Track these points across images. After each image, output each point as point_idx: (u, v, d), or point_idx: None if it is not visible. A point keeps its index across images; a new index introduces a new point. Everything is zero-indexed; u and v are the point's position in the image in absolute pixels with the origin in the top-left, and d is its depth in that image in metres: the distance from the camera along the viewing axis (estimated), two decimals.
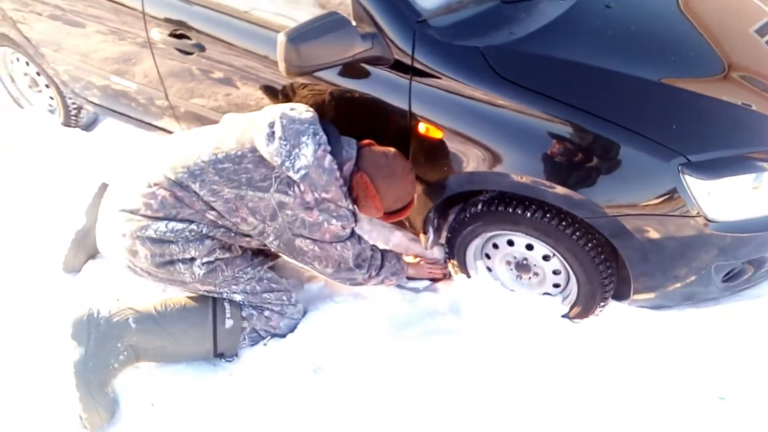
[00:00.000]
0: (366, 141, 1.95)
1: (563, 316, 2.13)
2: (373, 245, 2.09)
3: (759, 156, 1.73)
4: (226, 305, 1.92)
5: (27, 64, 3.17)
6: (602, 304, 2.05)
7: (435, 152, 1.92)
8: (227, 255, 1.89)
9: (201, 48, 2.23)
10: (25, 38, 2.94)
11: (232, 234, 1.86)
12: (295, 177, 1.75)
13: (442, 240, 2.32)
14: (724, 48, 1.99)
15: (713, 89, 1.84)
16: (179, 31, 2.26)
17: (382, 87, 1.92)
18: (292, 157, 1.75)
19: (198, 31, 2.21)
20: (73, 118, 3.30)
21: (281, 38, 1.72)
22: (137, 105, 2.80)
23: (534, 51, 1.83)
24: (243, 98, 2.29)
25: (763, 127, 1.79)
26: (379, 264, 2.06)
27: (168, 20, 2.27)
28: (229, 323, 1.90)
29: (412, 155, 1.98)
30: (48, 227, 2.44)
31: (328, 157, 1.78)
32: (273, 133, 1.77)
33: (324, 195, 1.78)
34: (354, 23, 1.81)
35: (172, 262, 1.82)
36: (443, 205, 2.20)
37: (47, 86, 3.21)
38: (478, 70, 1.78)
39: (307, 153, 1.75)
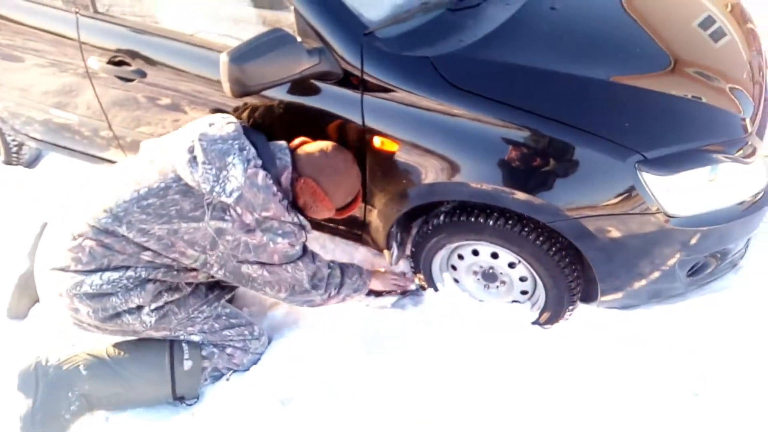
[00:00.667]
0: (298, 140, 1.86)
1: (533, 322, 2.11)
2: (331, 261, 1.99)
3: (713, 149, 1.74)
4: (184, 345, 1.82)
5: None
6: (571, 307, 2.03)
7: (392, 165, 1.88)
8: (177, 296, 1.78)
9: (142, 74, 2.15)
10: None
11: (175, 272, 1.74)
12: (229, 201, 1.62)
13: (407, 253, 2.28)
14: (670, 43, 2.00)
15: (663, 84, 1.84)
16: (118, 58, 2.17)
17: (334, 102, 1.87)
18: (221, 181, 1.62)
19: (137, 57, 2.13)
20: (14, 155, 3.15)
21: (224, 58, 1.66)
22: (81, 138, 2.68)
23: (483, 57, 1.80)
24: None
25: (715, 120, 1.81)
26: (339, 282, 1.95)
27: (105, 48, 2.18)
28: (188, 364, 1.80)
29: (369, 170, 1.93)
30: None
31: (261, 173, 1.66)
32: (194, 158, 1.65)
33: (264, 213, 1.66)
34: (299, 39, 1.76)
35: (117, 315, 1.71)
36: (405, 218, 2.15)
37: None
38: (429, 80, 1.75)
39: (236, 174, 1.63)
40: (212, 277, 1.84)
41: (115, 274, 1.67)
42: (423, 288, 2.26)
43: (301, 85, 1.90)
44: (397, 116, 1.79)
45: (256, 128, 1.84)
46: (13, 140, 3.08)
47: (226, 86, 1.70)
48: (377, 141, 1.84)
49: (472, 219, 1.91)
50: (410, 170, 1.85)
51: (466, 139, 1.75)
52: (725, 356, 1.90)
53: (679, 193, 1.69)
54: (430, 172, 1.83)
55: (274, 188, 1.68)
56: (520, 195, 1.74)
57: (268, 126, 1.98)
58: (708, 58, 2.02)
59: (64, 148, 2.83)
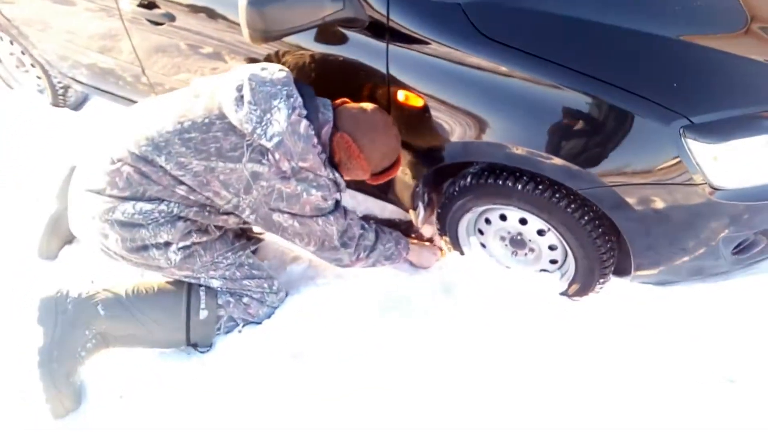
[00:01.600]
0: (340, 100, 1.80)
1: (562, 293, 2.00)
2: (366, 223, 1.95)
3: None
4: (202, 294, 1.82)
5: (11, 43, 3.08)
6: (602, 280, 1.91)
7: (417, 122, 1.79)
8: (205, 238, 1.77)
9: (171, 17, 2.10)
10: (6, 18, 2.85)
11: (207, 213, 1.74)
12: (269, 145, 1.61)
13: (434, 214, 2.20)
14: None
15: (721, 42, 1.66)
16: (148, 0, 2.13)
17: (360, 52, 1.78)
18: (263, 124, 1.61)
19: None
20: (61, 97, 3.21)
21: (242, 2, 1.59)
22: (121, 82, 2.69)
23: (520, 5, 1.67)
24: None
25: None
26: (371, 245, 1.91)
27: None
28: (203, 314, 1.80)
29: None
30: (27, 212, 2.37)
31: (304, 122, 1.63)
32: (242, 97, 1.63)
33: (301, 164, 1.65)
34: None
35: (145, 248, 1.72)
36: (434, 177, 2.07)
37: (33, 66, 3.12)
38: (459, 29, 1.63)
39: (280, 118, 1.61)
40: (244, 223, 1.84)
41: (148, 206, 1.68)
42: (448, 251, 2.18)
43: (328, 32, 1.81)
44: (424, 68, 1.69)
45: None
46: (59, 83, 3.13)
47: (245, 32, 1.64)
48: (401, 95, 1.74)
49: (500, 182, 1.81)
50: (436, 128, 1.76)
51: (498, 97, 1.64)
52: (766, 341, 1.75)
53: (728, 164, 1.53)
54: (457, 131, 1.72)
55: (315, 140, 1.65)
56: (553, 159, 1.62)
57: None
58: None
59: (106, 92, 2.87)
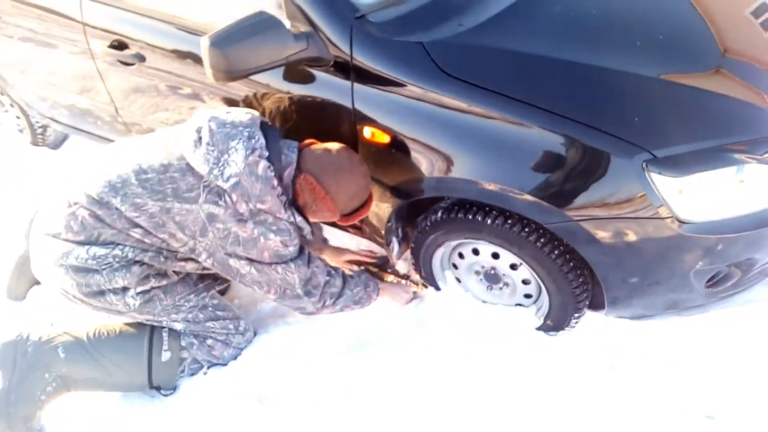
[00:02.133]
0: (307, 141, 1.78)
1: (538, 328, 1.97)
2: (333, 269, 1.88)
3: (737, 148, 1.55)
4: (164, 336, 1.79)
5: None
6: (577, 315, 1.89)
7: (384, 158, 1.78)
8: (164, 282, 1.74)
9: (141, 58, 2.11)
10: None
11: (163, 258, 1.71)
12: (225, 186, 1.58)
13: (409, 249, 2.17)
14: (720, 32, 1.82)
15: (685, 77, 1.66)
16: (118, 41, 2.14)
17: (326, 89, 1.78)
18: (221, 164, 1.59)
19: (135, 40, 2.09)
20: (40, 137, 3.21)
21: (205, 42, 1.59)
22: (100, 122, 2.69)
23: (482, 43, 1.67)
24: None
25: (740, 115, 1.62)
26: (337, 291, 1.84)
27: (106, 30, 2.16)
28: (165, 356, 1.76)
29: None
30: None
31: (263, 163, 1.60)
32: (200, 138, 1.62)
33: (259, 205, 1.61)
34: (287, 21, 1.68)
35: (101, 293, 1.69)
36: (408, 212, 2.05)
37: (12, 106, 3.12)
38: (422, 67, 1.63)
39: (237, 159, 1.58)
40: (204, 269, 1.80)
41: (102, 250, 1.65)
42: (424, 286, 2.16)
43: (295, 71, 1.82)
44: (388, 106, 1.69)
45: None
46: (38, 123, 3.13)
47: (209, 72, 1.64)
48: (367, 132, 1.74)
49: (470, 217, 1.79)
50: (404, 164, 1.75)
51: (462, 134, 1.64)
52: (745, 376, 1.71)
53: (693, 197, 1.52)
54: (425, 167, 1.72)
55: (274, 181, 1.61)
56: (521, 195, 1.60)
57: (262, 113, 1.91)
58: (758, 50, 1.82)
59: (84, 131, 2.87)
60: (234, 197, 1.60)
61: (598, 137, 1.51)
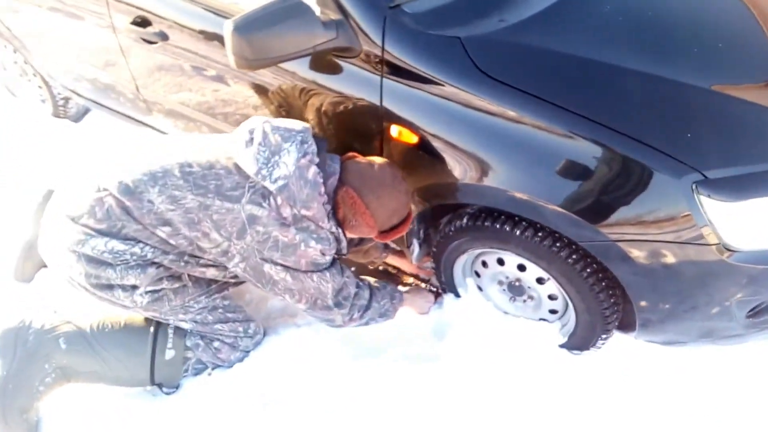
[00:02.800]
0: (350, 154, 1.70)
1: (561, 345, 1.87)
2: (361, 280, 1.83)
3: None
4: (170, 332, 1.72)
5: (14, 52, 3.04)
6: (604, 336, 1.78)
7: (411, 159, 1.68)
8: (176, 285, 1.66)
9: (164, 36, 2.03)
10: (7, 28, 2.81)
11: (184, 262, 1.62)
12: (272, 188, 1.50)
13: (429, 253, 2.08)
14: None
15: (744, 91, 1.53)
16: (141, 18, 2.06)
17: (353, 82, 1.68)
18: (270, 165, 1.51)
19: (158, 17, 2.00)
20: (62, 108, 3.16)
21: (228, 27, 1.50)
22: (122, 99, 2.63)
23: (526, 42, 1.56)
24: (228, 95, 2.06)
25: None
26: (365, 304, 1.77)
27: (130, 4, 2.08)
28: (169, 354, 1.70)
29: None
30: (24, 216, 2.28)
31: (313, 168, 1.53)
32: (252, 139, 1.55)
33: (304, 211, 1.53)
34: (317, 8, 1.58)
35: (110, 287, 1.61)
36: (431, 214, 1.96)
37: (34, 75, 3.07)
38: (458, 64, 1.53)
39: (288, 161, 1.51)
40: (226, 275, 1.72)
41: (121, 245, 1.57)
42: (440, 292, 2.07)
43: (322, 60, 1.72)
44: (419, 104, 1.59)
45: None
46: (60, 94, 3.08)
47: (231, 58, 1.55)
48: (395, 130, 1.64)
49: (498, 226, 1.69)
50: (431, 167, 1.65)
51: (496, 139, 1.53)
52: None
53: (744, 223, 1.40)
54: (454, 172, 1.61)
55: (322, 188, 1.55)
56: (554, 207, 1.50)
57: (281, 103, 1.83)
58: None
59: (106, 107, 2.80)
60: (279, 200, 1.52)
61: (645, 153, 1.39)
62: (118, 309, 1.68)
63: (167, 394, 1.72)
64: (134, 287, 1.61)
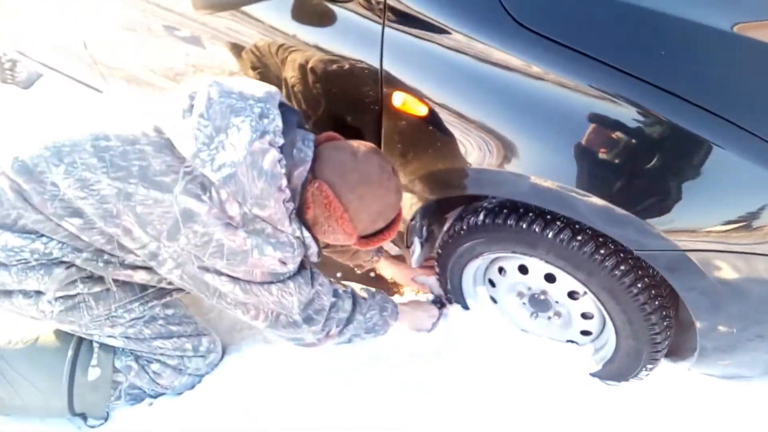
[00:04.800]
0: (327, 134, 1.31)
1: (593, 374, 1.53)
2: (341, 287, 1.46)
3: None
4: (95, 347, 1.34)
5: None
6: (650, 366, 1.43)
7: (416, 136, 1.32)
8: (97, 288, 1.29)
9: None
10: None
11: (102, 263, 1.25)
12: (214, 177, 1.11)
13: (433, 254, 1.73)
14: None
15: None
16: None
17: (345, 35, 1.31)
18: (213, 146, 1.11)
19: None
20: (9, 73, 2.77)
21: None
22: (73, 61, 2.24)
23: None
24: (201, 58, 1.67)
25: None
26: (346, 317, 1.41)
27: None
28: (93, 373, 1.32)
29: (384, 139, 1.37)
30: None
31: (273, 154, 1.14)
32: (192, 107, 1.16)
33: (257, 211, 1.15)
34: None
35: (7, 293, 1.24)
36: (435, 206, 1.60)
37: None
38: (486, 14, 1.16)
39: (237, 142, 1.11)
40: (161, 280, 1.34)
41: (17, 240, 1.19)
42: (442, 304, 1.72)
43: (307, 6, 1.35)
44: (431, 64, 1.22)
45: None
46: (6, 56, 2.70)
47: None
48: (398, 98, 1.27)
49: (524, 225, 1.33)
50: (443, 147, 1.29)
51: (530, 110, 1.17)
52: None
53: None
54: (472, 154, 1.25)
55: (283, 182, 1.16)
56: (598, 202, 1.15)
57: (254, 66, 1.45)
58: None
59: (56, 70, 2.41)
60: (223, 194, 1.13)
61: (726, 131, 1.04)
62: (31, 321, 1.30)
63: (92, 427, 1.34)
64: (39, 293, 1.23)
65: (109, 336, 1.32)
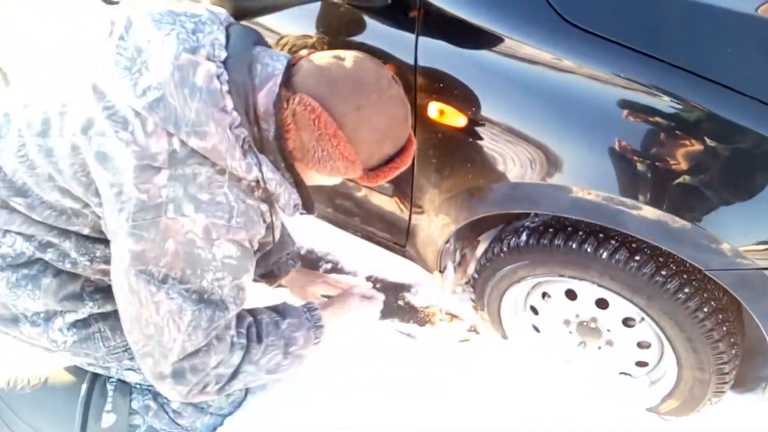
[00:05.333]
0: (303, 52, 1.00)
1: (649, 409, 1.39)
2: (237, 330, 1.04)
3: None
4: (109, 389, 1.21)
5: None
6: (716, 399, 1.29)
7: (455, 150, 1.21)
8: (110, 307, 1.12)
9: None
10: None
11: (75, 253, 1.04)
12: (139, 105, 0.87)
13: (467, 279, 1.61)
14: None
15: None
16: None
17: (375, 43, 1.21)
18: (135, 69, 0.89)
19: None
20: None
21: None
22: None
23: None
24: None
25: None
26: (230, 373, 1.03)
27: None
28: (108, 420, 1.19)
29: (418, 154, 1.26)
30: None
31: (207, 67, 0.88)
32: (111, 32, 0.94)
33: (195, 141, 0.87)
34: None
35: (14, 320, 1.10)
36: (469, 228, 1.49)
37: None
38: (530, 13, 1.06)
39: (162, 57, 0.88)
40: None
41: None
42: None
43: (333, 14, 1.26)
44: (470, 71, 1.12)
45: None
46: None
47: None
48: (434, 109, 1.17)
49: (573, 245, 1.21)
50: (482, 160, 1.18)
51: (579, 111, 1.06)
52: None
53: None
54: (513, 168, 1.15)
55: (226, 101, 0.89)
56: (654, 214, 1.04)
57: None
58: None
59: None
60: (149, 125, 0.88)
61: None
62: (45, 357, 1.18)
63: None
64: (47, 320, 1.09)
65: (128, 368, 1.19)
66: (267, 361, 1.06)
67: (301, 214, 1.06)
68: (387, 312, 1.68)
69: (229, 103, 0.89)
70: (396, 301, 1.74)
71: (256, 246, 1.00)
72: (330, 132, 0.91)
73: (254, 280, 1.13)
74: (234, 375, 1.03)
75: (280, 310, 1.12)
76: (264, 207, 0.97)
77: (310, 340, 1.12)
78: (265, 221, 0.99)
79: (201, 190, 0.89)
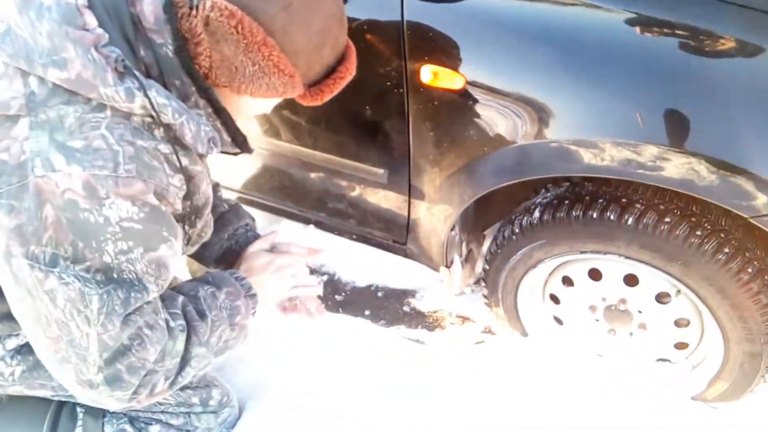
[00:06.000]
0: None
1: (694, 397, 1.24)
2: (174, 311, 0.86)
3: None
4: (79, 411, 1.05)
5: None
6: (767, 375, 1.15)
7: (454, 117, 1.09)
8: None
9: None
10: None
11: None
12: None
13: (477, 272, 1.48)
14: None
15: None
16: None
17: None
18: None
19: None
20: None
21: None
22: None
23: None
24: None
25: None
26: (178, 362, 0.84)
27: None
28: None
29: (412, 126, 1.14)
30: None
31: None
32: None
33: (56, 74, 0.70)
34: None
35: None
36: (474, 219, 1.37)
37: None
38: None
39: None
40: None
41: None
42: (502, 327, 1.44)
43: None
44: (469, 24, 1.01)
45: None
46: None
47: None
48: (427, 73, 1.06)
49: (595, 215, 1.09)
50: (485, 124, 1.06)
51: (594, 52, 0.96)
52: None
53: None
54: (523, 126, 1.03)
55: (85, 17, 0.71)
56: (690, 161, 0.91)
57: None
58: None
59: None
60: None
61: None
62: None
63: None
64: None
65: None
66: (217, 338, 0.89)
67: (229, 153, 0.88)
68: (392, 319, 1.55)
69: (91, 20, 0.72)
70: (401, 308, 1.59)
71: (177, 205, 0.81)
72: (258, 40, 0.74)
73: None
74: (183, 364, 0.85)
75: (210, 280, 0.94)
76: (165, 148, 0.77)
77: (249, 309, 0.96)
78: (172, 166, 0.78)
79: (71, 135, 0.70)
